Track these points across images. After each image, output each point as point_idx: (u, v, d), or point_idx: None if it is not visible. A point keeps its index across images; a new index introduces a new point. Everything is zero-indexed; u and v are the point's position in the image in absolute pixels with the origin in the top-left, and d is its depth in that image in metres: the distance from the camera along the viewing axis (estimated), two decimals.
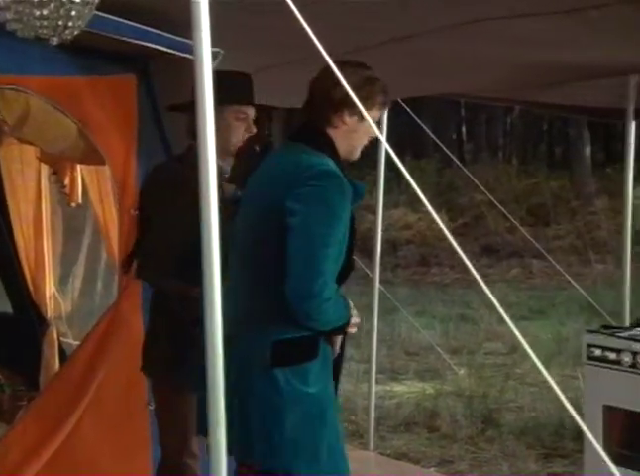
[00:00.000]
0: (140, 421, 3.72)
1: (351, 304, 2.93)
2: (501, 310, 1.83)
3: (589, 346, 4.05)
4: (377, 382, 6.25)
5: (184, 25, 3.75)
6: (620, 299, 8.93)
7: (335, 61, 2.73)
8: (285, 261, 2.73)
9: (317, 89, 2.99)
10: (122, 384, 3.75)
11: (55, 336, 4.96)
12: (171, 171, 3.44)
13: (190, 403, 3.39)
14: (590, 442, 4.04)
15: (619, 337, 3.97)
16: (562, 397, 1.75)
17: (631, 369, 3.86)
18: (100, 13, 3.48)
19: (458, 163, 7.10)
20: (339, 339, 2.92)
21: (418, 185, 2.41)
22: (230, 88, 3.43)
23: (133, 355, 3.68)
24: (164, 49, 3.84)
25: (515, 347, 8.83)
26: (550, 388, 6.24)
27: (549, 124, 23.17)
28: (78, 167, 4.47)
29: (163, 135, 4.10)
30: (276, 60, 4.25)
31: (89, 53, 3.66)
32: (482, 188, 6.40)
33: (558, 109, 5.27)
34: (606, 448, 3.97)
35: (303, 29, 2.14)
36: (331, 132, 2.98)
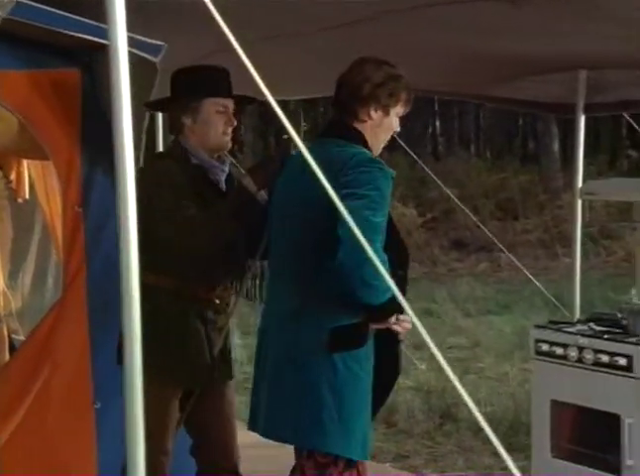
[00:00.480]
0: (85, 421, 3.69)
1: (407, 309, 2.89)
2: None
3: (537, 341, 4.06)
4: None
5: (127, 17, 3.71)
6: (585, 293, 8.94)
7: (361, 58, 3.16)
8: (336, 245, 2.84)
9: (345, 84, 3.16)
10: (66, 382, 3.71)
11: (6, 333, 4.91)
12: (164, 167, 3.41)
13: (170, 399, 3.42)
14: (538, 436, 4.05)
15: (566, 332, 3.98)
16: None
17: (577, 364, 3.87)
18: (40, 5, 3.45)
19: (417, 158, 7.04)
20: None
21: None
22: (207, 81, 3.45)
23: (78, 352, 3.65)
24: (107, 42, 3.80)
25: (478, 341, 8.87)
26: (508, 382, 6.24)
27: (523, 119, 23.23)
28: (25, 161, 4.42)
29: (109, 130, 4.06)
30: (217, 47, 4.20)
31: (31, 46, 3.61)
32: (441, 184, 6.35)
33: (510, 104, 5.26)
34: (554, 443, 4.00)
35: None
36: (358, 126, 3.12)
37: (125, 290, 2.02)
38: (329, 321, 2.94)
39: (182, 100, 3.44)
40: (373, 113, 3.14)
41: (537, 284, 6.42)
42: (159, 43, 3.66)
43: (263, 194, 3.36)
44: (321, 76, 4.80)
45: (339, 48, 4.04)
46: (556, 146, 16.68)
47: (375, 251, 2.80)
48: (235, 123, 3.47)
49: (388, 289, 2.81)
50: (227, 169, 3.53)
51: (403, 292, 2.96)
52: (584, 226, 5.02)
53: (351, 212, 2.70)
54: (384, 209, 2.98)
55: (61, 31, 3.48)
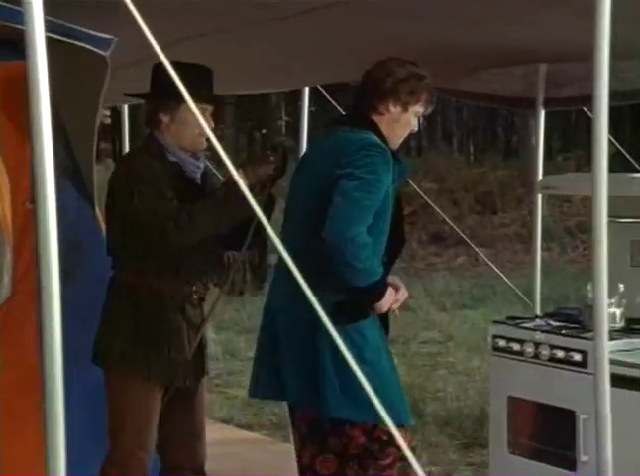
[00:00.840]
0: (32, 422, 3.63)
1: (399, 281, 3.27)
2: None
3: (495, 337, 4.04)
4: None
5: (74, 10, 3.67)
6: (561, 287, 8.96)
7: (389, 58, 3.39)
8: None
9: (368, 79, 3.37)
10: (14, 381, 3.66)
11: None
12: (142, 163, 3.38)
13: (154, 396, 3.39)
14: (495, 432, 4.03)
15: (523, 328, 3.96)
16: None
17: (534, 360, 3.85)
18: None
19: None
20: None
21: None
22: (188, 84, 3.40)
23: (26, 351, 3.60)
24: (56, 36, 3.75)
25: (450, 336, 8.86)
26: (476, 376, 6.19)
27: (506, 113, 23.23)
28: None
29: (61, 125, 4.02)
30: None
31: None
32: (411, 182, 6.32)
33: (471, 97, 5.23)
34: (512, 439, 3.98)
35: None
36: (375, 118, 3.30)
37: (44, 286, 1.97)
38: (332, 296, 3.04)
39: (161, 98, 3.41)
40: (392, 107, 3.30)
41: (505, 278, 6.41)
42: (108, 36, 3.61)
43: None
44: (280, 69, 4.79)
45: (297, 38, 4.00)
46: (534, 140, 16.66)
47: (358, 233, 3.06)
48: (212, 125, 3.43)
49: (371, 271, 3.12)
50: (202, 165, 3.52)
51: (398, 252, 3.29)
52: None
53: (343, 192, 3.15)
54: (378, 194, 3.14)
55: (7, 24, 3.43)
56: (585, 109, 5.16)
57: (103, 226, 4.33)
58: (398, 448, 3.13)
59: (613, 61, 4.32)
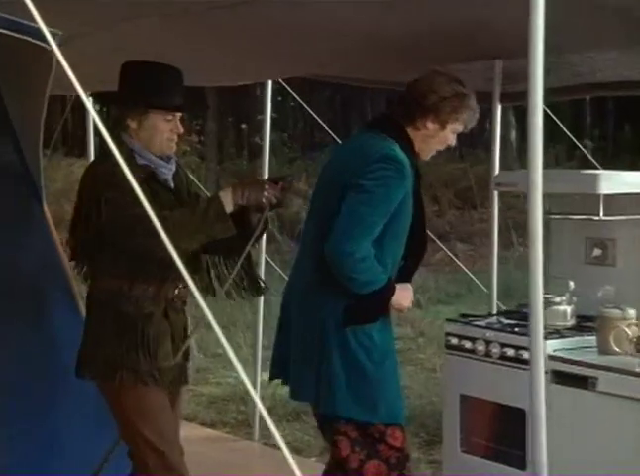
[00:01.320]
0: None
1: (409, 287, 3.40)
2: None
3: (447, 335, 4.01)
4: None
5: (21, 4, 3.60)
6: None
7: (434, 71, 3.48)
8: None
9: (412, 91, 3.42)
10: None
11: None
12: (106, 169, 3.23)
13: (150, 394, 3.32)
14: (448, 431, 3.99)
15: (474, 326, 3.93)
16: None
17: (484, 358, 3.82)
18: None
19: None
20: None
21: None
22: (156, 91, 3.31)
23: None
24: (4, 31, 3.71)
25: (422, 332, 8.82)
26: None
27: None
28: None
29: (8, 122, 3.98)
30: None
31: None
32: None
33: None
34: (463, 438, 3.95)
35: None
36: (411, 132, 3.36)
37: None
38: (344, 297, 3.21)
39: (128, 103, 3.33)
40: (429, 124, 3.36)
41: (470, 275, 6.38)
42: (54, 30, 3.57)
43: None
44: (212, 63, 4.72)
45: (239, 30, 3.95)
46: (513, 135, 16.69)
47: (358, 248, 3.15)
48: (182, 130, 3.38)
49: (371, 281, 3.20)
50: (174, 166, 3.43)
51: (407, 279, 3.41)
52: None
53: (349, 205, 3.21)
54: (387, 208, 3.20)
55: None
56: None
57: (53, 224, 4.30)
58: (390, 446, 3.33)
59: (561, 56, 4.32)
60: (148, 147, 3.34)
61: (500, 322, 3.90)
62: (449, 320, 4.08)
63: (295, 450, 5.51)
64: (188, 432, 5.95)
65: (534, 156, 2.60)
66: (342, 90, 20.85)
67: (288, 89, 5.85)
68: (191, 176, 4.02)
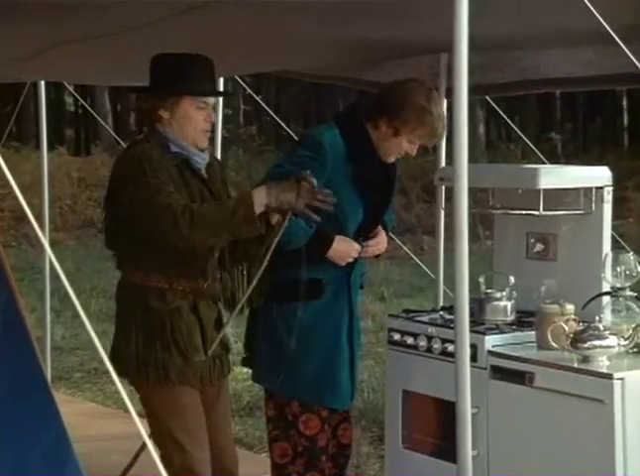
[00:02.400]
0: None
1: (347, 239, 3.66)
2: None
3: (390, 330, 3.99)
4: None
5: None
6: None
7: (412, 79, 3.62)
8: None
9: (382, 90, 3.59)
10: None
11: None
12: (142, 152, 3.27)
13: (183, 394, 3.31)
14: (390, 427, 3.98)
15: (416, 321, 3.91)
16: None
17: (426, 353, 3.80)
18: None
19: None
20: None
21: None
22: (187, 77, 3.29)
23: None
24: None
25: (383, 326, 8.79)
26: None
27: None
28: None
29: None
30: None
31: None
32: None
33: (377, 87, 5.16)
34: (405, 434, 3.94)
35: None
36: (370, 128, 3.54)
37: None
38: (275, 272, 3.39)
39: (160, 93, 3.31)
40: (383, 126, 3.50)
41: (424, 267, 6.37)
42: None
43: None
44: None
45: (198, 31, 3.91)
46: (481, 128, 16.75)
47: None
48: (213, 119, 3.38)
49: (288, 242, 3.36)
50: (207, 157, 3.41)
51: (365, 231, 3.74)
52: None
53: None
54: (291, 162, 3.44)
55: None
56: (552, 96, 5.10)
57: None
58: (300, 433, 3.61)
59: (504, 53, 4.31)
60: (181, 137, 3.32)
61: (443, 318, 3.88)
62: (391, 316, 4.06)
63: (247, 446, 5.50)
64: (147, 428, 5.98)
65: (459, 151, 2.59)
66: (316, 84, 20.88)
67: (241, 82, 5.80)
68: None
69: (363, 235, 3.74)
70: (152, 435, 3.38)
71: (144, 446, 3.58)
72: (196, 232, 3.14)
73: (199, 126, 3.32)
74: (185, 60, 3.34)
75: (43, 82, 6.23)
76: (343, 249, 3.66)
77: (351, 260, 3.72)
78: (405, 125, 3.45)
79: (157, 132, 3.34)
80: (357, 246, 3.71)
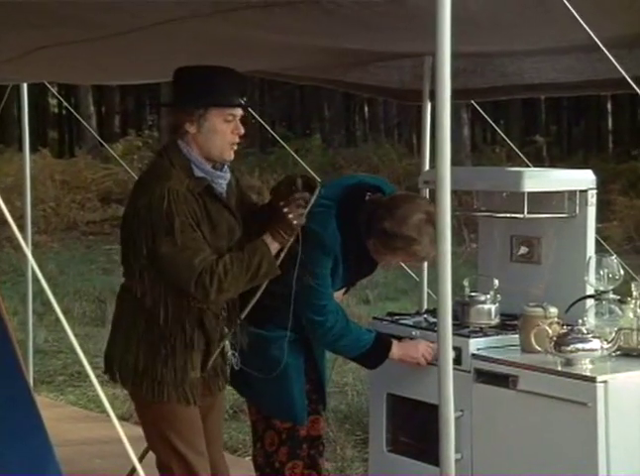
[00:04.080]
0: None
1: (414, 343, 3.70)
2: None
3: None
4: None
5: None
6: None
7: (419, 203, 3.56)
8: None
9: (382, 208, 3.51)
10: None
11: None
12: (173, 188, 3.18)
13: (188, 411, 3.30)
14: (374, 430, 3.97)
15: (401, 324, 3.91)
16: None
17: None
18: None
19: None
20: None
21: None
22: (214, 88, 3.23)
23: None
24: None
25: (368, 329, 8.79)
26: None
27: None
28: None
29: None
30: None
31: None
32: (308, 173, 6.23)
33: (359, 89, 5.17)
34: (390, 437, 3.93)
35: None
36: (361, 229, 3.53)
37: None
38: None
39: (187, 106, 3.23)
40: (371, 245, 3.51)
41: (408, 270, 6.35)
42: None
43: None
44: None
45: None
46: (466, 131, 16.78)
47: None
48: (242, 131, 3.28)
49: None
50: (228, 176, 3.35)
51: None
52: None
53: None
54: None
55: None
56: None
57: None
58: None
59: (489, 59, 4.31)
60: (207, 153, 3.25)
61: (427, 321, 3.88)
62: (375, 319, 4.06)
63: (230, 450, 5.48)
64: (123, 431, 5.94)
65: (442, 154, 2.58)
66: (301, 86, 20.85)
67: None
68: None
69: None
70: (147, 441, 3.37)
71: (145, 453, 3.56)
72: (223, 295, 3.21)
73: (227, 139, 3.25)
74: (211, 72, 3.29)
75: (25, 84, 6.20)
76: (404, 352, 3.67)
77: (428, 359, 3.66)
78: (394, 253, 3.54)
79: (178, 150, 3.25)
80: (422, 345, 3.67)
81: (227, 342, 3.40)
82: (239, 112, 3.28)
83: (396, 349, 3.65)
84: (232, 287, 3.19)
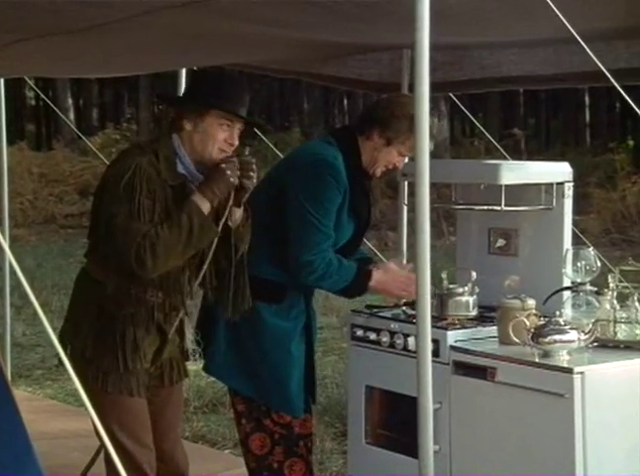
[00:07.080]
0: None
1: (390, 269, 3.80)
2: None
3: (353, 326, 3.99)
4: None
5: None
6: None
7: (404, 95, 3.83)
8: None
9: (373, 102, 3.74)
10: None
11: None
12: (144, 167, 3.20)
13: (136, 403, 3.29)
14: (353, 422, 3.99)
15: (379, 317, 3.91)
16: None
17: (389, 349, 3.81)
18: None
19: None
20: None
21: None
22: (219, 91, 3.25)
23: None
24: None
25: (347, 322, 8.80)
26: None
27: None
28: None
29: None
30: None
31: None
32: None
33: (337, 82, 5.17)
34: (368, 429, 3.94)
35: None
36: (361, 142, 3.60)
37: None
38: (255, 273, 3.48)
39: (190, 103, 3.28)
40: (376, 136, 3.57)
41: (383, 258, 6.36)
42: None
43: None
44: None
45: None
46: (445, 124, 16.81)
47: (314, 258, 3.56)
48: (236, 143, 3.28)
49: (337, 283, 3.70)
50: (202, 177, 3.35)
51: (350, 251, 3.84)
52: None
53: (290, 203, 3.54)
54: (319, 206, 3.56)
55: None
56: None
57: None
58: (274, 422, 3.65)
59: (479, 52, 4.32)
60: (197, 152, 3.27)
61: (405, 313, 3.89)
62: (354, 312, 4.06)
63: (210, 443, 5.48)
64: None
65: (421, 146, 2.59)
66: (280, 79, 20.82)
67: None
68: None
69: (348, 252, 3.76)
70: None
71: (102, 446, 3.54)
72: (160, 261, 3.16)
73: (218, 144, 3.25)
74: (220, 76, 3.40)
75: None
76: (386, 279, 3.73)
77: (407, 292, 3.75)
78: (397, 135, 3.55)
79: (170, 142, 3.29)
80: (402, 279, 3.74)
81: (189, 336, 3.42)
82: (237, 123, 3.29)
83: (376, 283, 3.73)
84: (168, 249, 3.14)
